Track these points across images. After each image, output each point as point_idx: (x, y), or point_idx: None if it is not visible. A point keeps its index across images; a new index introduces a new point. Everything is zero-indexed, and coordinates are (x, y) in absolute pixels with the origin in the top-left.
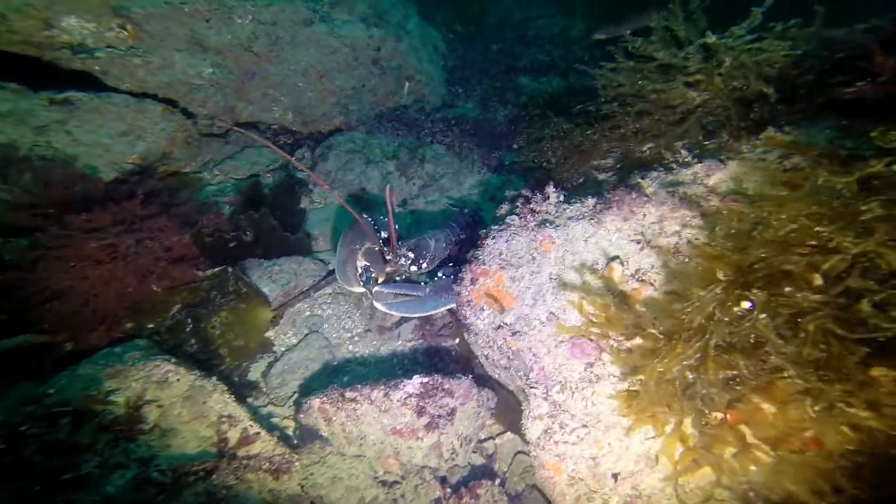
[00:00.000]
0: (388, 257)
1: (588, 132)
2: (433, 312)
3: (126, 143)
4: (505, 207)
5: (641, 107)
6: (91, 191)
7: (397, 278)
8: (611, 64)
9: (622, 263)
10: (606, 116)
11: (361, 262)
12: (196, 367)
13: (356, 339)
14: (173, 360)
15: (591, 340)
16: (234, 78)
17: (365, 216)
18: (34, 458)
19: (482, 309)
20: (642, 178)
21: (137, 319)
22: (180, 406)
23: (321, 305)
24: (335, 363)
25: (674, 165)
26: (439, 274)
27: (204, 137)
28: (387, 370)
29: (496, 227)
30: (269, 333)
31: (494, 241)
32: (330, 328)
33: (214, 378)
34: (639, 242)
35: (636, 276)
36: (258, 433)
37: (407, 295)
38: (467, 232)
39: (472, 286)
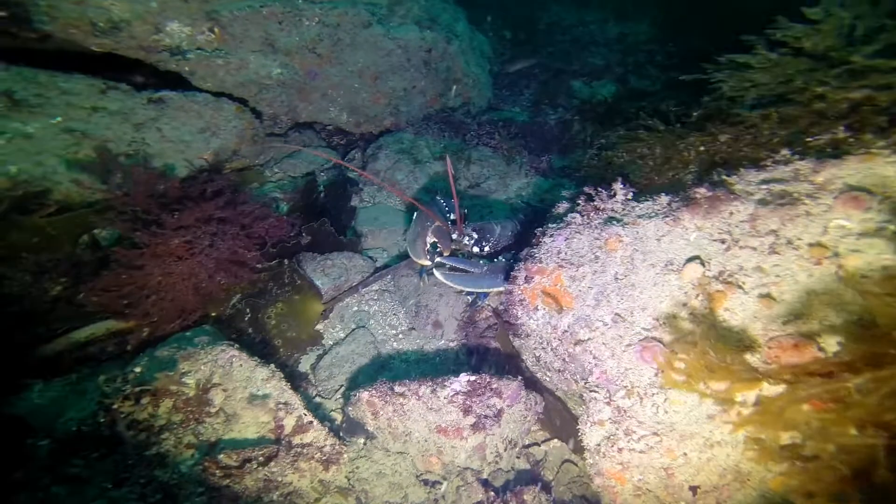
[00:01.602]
0: (454, 236)
1: (701, 138)
2: (486, 290)
3: (203, 139)
4: (563, 206)
5: (790, 111)
6: (169, 189)
7: (460, 255)
8: (745, 57)
9: (702, 264)
10: (724, 121)
11: (430, 239)
12: (254, 355)
13: (400, 336)
14: (236, 346)
15: (664, 344)
16: (298, 78)
17: (438, 198)
18: (124, 434)
19: (536, 308)
20: (728, 175)
21: (204, 309)
22: (242, 391)
23: (368, 301)
24: (380, 359)
25: (768, 163)
26: (499, 258)
27: (267, 136)
28: (430, 369)
29: (554, 224)
30: (319, 326)
31: (552, 238)
32: (376, 324)
33: (273, 365)
34: (724, 242)
35: (720, 278)
36: (311, 422)
37: (465, 270)
38: (527, 227)
39: (525, 284)
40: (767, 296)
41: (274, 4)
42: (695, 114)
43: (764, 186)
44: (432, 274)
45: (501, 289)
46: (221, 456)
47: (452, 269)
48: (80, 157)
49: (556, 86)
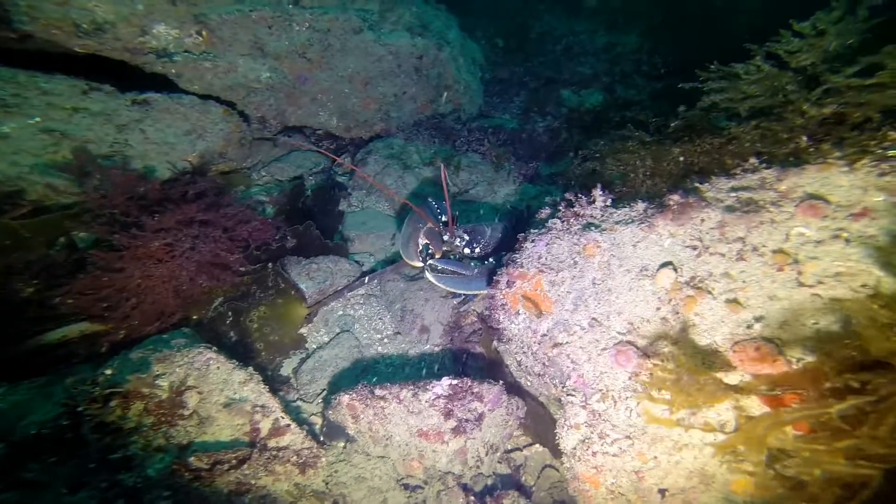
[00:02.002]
0: (445, 237)
1: (690, 147)
2: (476, 292)
3: (189, 141)
4: (545, 212)
5: (772, 125)
6: (149, 191)
7: (451, 257)
8: (740, 66)
9: (675, 270)
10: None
11: (422, 241)
12: (234, 358)
13: (385, 340)
14: (214, 348)
15: (637, 348)
16: (287, 83)
17: (430, 200)
18: (89, 437)
19: (517, 313)
20: (700, 183)
21: (184, 312)
22: (218, 393)
23: (353, 306)
24: (364, 363)
25: (737, 171)
26: (490, 260)
27: (255, 140)
28: (414, 374)
29: (535, 230)
30: (303, 330)
31: (534, 244)
32: (361, 328)
33: (251, 368)
34: (695, 248)
35: (691, 284)
36: (288, 425)
37: (456, 272)
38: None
39: (507, 289)
40: (734, 301)
41: (263, 9)
42: (673, 124)
43: (733, 194)
44: (423, 275)
45: (487, 291)
46: (192, 459)
47: (443, 270)
48: (58, 159)
49: (545, 94)
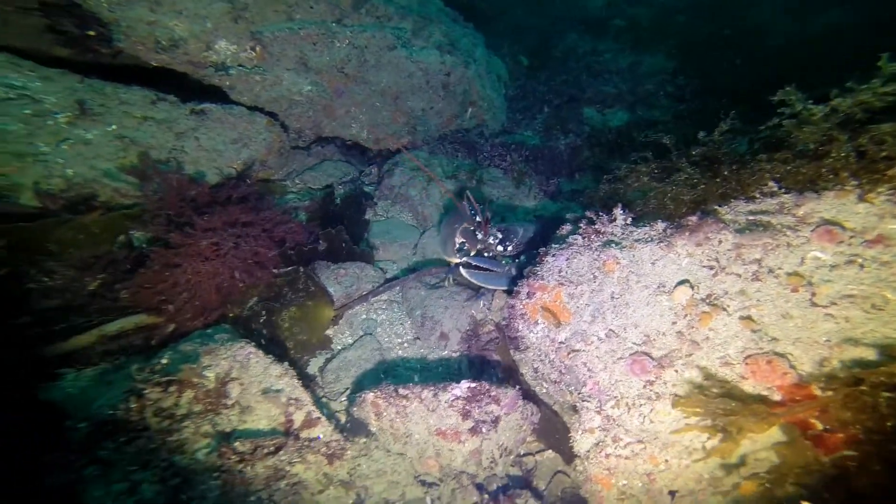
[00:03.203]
0: (479, 236)
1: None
2: (497, 287)
3: (235, 149)
4: (566, 228)
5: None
6: (200, 194)
7: (486, 254)
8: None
9: (692, 287)
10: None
11: (459, 239)
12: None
13: (405, 345)
14: (254, 343)
15: (652, 359)
16: (325, 96)
17: (465, 202)
18: (150, 420)
19: (536, 322)
20: (720, 206)
21: (223, 309)
22: (257, 385)
23: (376, 310)
24: (385, 365)
25: (756, 195)
26: (522, 257)
27: (292, 149)
28: (432, 377)
29: (556, 245)
30: (329, 331)
31: (554, 258)
32: (383, 332)
33: (286, 363)
34: (712, 268)
35: (707, 301)
36: (319, 418)
37: (488, 269)
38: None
39: (528, 300)
40: (748, 318)
41: (310, 27)
42: (694, 152)
43: (751, 217)
44: (458, 271)
45: (506, 288)
46: (236, 444)
47: (476, 267)
48: (126, 163)
49: (568, 111)
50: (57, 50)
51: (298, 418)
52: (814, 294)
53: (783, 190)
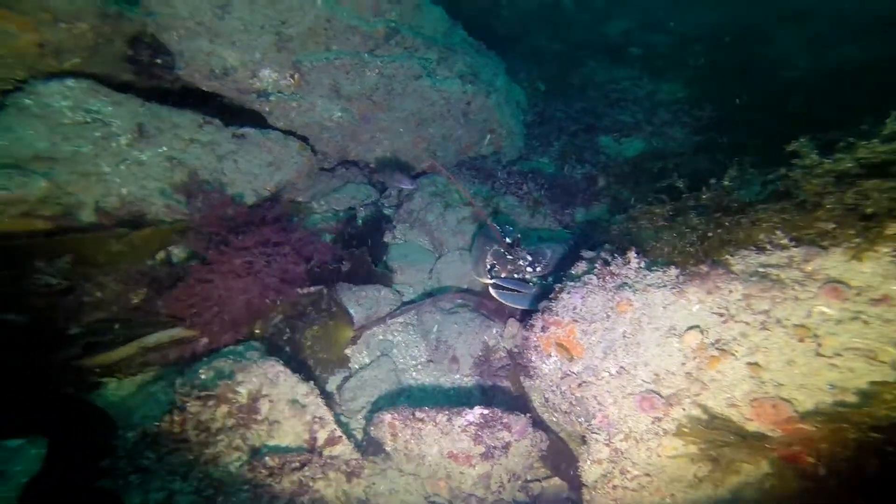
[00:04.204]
0: (509, 257)
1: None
2: (522, 307)
3: (268, 172)
4: (581, 266)
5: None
6: (238, 214)
7: (516, 276)
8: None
9: (701, 332)
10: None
11: (490, 261)
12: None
13: (419, 367)
14: (282, 362)
15: (661, 396)
16: (354, 122)
17: (496, 225)
18: (190, 433)
19: (549, 355)
20: (731, 256)
21: (250, 326)
22: (285, 403)
23: (393, 332)
24: (400, 386)
25: (767, 246)
26: (549, 278)
27: (318, 171)
28: (444, 399)
29: (572, 283)
30: (347, 351)
31: (570, 295)
32: (398, 353)
33: (311, 382)
34: (722, 315)
35: (716, 345)
36: (340, 437)
37: (516, 290)
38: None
39: (542, 333)
40: (755, 364)
41: (345, 57)
42: (704, 196)
43: (761, 269)
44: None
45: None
46: (266, 458)
47: (505, 288)
48: (173, 182)
49: (584, 140)
50: (126, 76)
51: (322, 436)
52: (819, 345)
53: (792, 243)
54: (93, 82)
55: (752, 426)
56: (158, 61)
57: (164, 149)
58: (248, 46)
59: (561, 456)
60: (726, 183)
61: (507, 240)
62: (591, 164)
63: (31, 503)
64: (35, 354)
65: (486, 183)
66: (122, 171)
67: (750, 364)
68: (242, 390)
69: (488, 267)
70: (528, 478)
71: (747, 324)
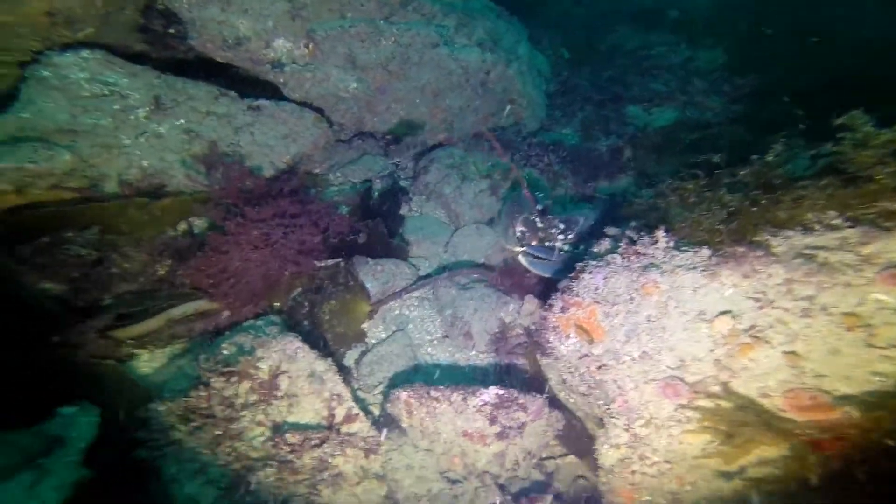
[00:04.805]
0: (540, 225)
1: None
2: (547, 275)
3: (284, 144)
4: (604, 245)
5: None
6: (256, 186)
7: (546, 244)
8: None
9: (734, 318)
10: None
11: (520, 228)
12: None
13: (435, 342)
14: (300, 338)
15: (686, 383)
16: (369, 92)
17: (527, 192)
18: (215, 408)
19: (568, 336)
20: (773, 237)
21: (269, 299)
22: (304, 379)
23: (409, 307)
24: (415, 362)
25: (816, 227)
26: (581, 246)
27: (335, 143)
28: (460, 377)
29: (594, 262)
30: (364, 325)
31: (591, 276)
32: (414, 329)
33: (329, 359)
34: (758, 301)
35: (749, 332)
36: (358, 414)
37: (544, 259)
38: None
39: (561, 314)
40: (793, 353)
41: (360, 24)
42: (741, 172)
43: (807, 252)
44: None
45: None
46: (287, 435)
47: (535, 256)
48: (192, 154)
49: (611, 110)
50: (139, 46)
51: (340, 413)
52: (872, 335)
53: (847, 223)
54: (107, 53)
55: (785, 416)
56: (171, 31)
57: (182, 121)
58: (261, 14)
59: (577, 434)
60: (770, 158)
61: (539, 206)
62: (618, 135)
63: (96, 468)
64: (75, 325)
65: (505, 155)
66: (142, 144)
67: (787, 353)
68: (263, 366)
69: (518, 235)
70: (543, 455)
71: (786, 310)
